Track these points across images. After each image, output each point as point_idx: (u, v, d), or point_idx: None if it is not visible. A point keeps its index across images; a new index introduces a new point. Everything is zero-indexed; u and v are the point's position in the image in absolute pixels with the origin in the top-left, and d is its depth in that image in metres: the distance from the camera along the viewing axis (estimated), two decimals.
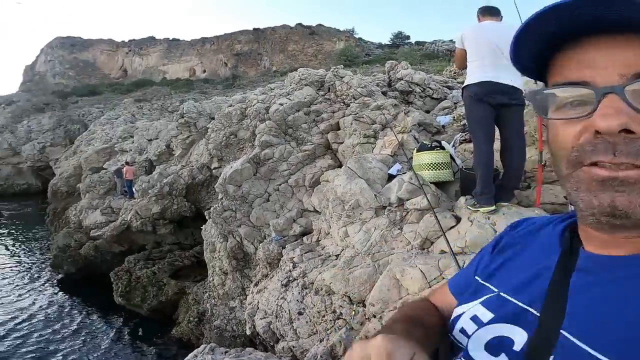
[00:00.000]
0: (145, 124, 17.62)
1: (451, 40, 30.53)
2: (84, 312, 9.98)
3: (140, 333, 8.84)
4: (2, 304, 10.51)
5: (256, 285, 5.18)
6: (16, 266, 13.59)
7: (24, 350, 8.31)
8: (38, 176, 29.37)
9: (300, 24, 59.02)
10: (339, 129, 7.08)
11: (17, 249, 15.90)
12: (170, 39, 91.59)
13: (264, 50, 61.98)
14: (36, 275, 12.47)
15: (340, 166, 6.10)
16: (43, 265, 12.98)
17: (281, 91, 8.70)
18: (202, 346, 4.07)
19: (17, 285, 11.85)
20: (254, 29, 64.24)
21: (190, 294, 8.30)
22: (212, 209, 6.70)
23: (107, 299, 9.43)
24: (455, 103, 7.30)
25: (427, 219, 3.45)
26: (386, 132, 5.96)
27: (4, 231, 18.40)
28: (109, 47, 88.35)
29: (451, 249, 2.37)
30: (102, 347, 8.37)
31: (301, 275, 4.18)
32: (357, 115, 6.73)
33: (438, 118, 6.60)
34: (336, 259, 4.05)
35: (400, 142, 4.75)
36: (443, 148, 4.20)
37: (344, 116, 7.10)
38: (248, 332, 4.73)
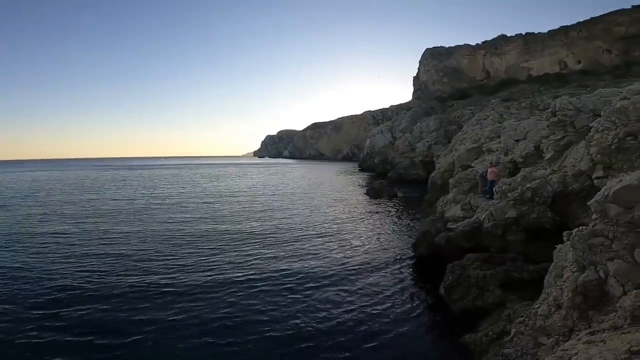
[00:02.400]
0: (512, 123, 16.95)
1: None
2: (406, 291, 10.77)
3: (436, 327, 8.91)
4: (355, 255, 13.36)
5: (592, 334, 4.30)
6: (391, 234, 17.21)
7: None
8: (425, 168, 38.68)
9: None
10: None
11: (398, 223, 20.47)
12: (524, 33, 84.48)
13: None
14: (399, 249, 14.97)
15: None
16: (408, 243, 15.40)
17: None
18: None
19: (380, 250, 14.79)
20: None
21: (508, 309, 7.67)
22: (575, 230, 5.51)
23: (434, 287, 9.80)
24: None
25: None
26: None
27: (396, 207, 25.58)
28: (468, 52, 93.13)
29: None
30: (395, 325, 8.74)
31: None
32: None
33: None
34: None
35: None
36: None
37: None
38: None
